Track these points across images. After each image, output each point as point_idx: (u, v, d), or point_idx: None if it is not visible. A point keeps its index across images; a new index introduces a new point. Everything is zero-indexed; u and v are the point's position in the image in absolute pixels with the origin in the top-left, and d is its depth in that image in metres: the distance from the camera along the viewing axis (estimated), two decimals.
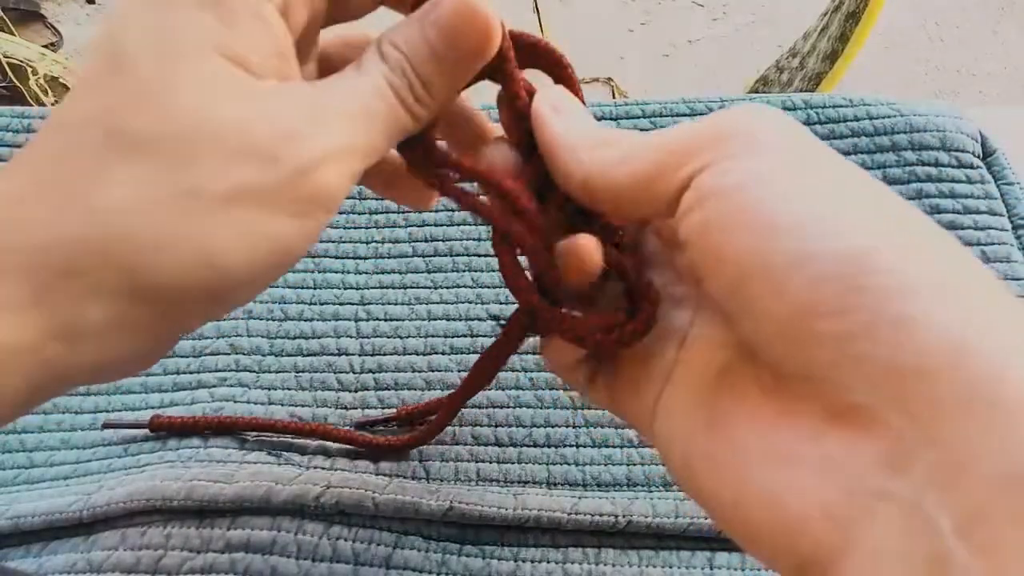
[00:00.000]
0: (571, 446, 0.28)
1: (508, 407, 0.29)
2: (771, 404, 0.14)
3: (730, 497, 0.15)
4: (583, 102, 0.19)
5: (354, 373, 0.30)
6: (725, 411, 0.15)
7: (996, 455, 0.11)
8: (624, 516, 0.25)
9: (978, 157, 0.32)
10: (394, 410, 0.28)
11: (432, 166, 0.18)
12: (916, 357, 0.12)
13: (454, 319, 0.30)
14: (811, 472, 0.13)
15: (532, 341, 0.30)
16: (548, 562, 0.25)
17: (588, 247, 0.17)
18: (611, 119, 0.34)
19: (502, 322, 0.22)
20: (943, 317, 0.12)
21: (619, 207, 0.17)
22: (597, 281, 0.18)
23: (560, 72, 0.18)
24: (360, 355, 0.30)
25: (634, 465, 0.27)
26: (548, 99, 0.18)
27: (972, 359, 0.11)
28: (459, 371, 0.29)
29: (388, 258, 0.32)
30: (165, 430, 0.28)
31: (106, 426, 0.28)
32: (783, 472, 0.14)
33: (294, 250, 0.14)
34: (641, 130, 0.33)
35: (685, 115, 0.33)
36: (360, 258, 0.32)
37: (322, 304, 0.31)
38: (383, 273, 0.32)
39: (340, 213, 0.33)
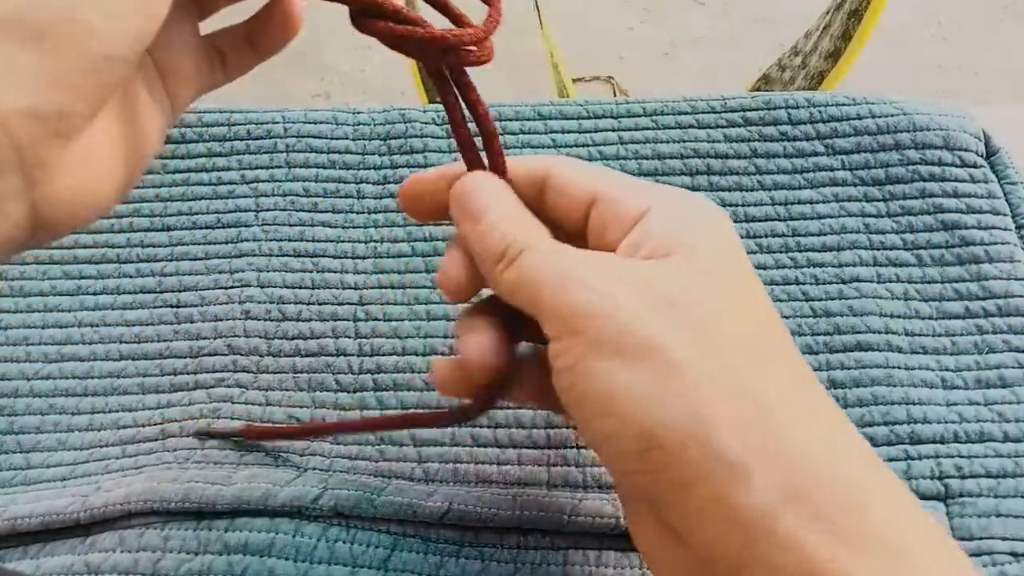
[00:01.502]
0: (571, 447, 0.28)
1: (508, 408, 0.28)
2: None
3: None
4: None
5: (352, 374, 0.29)
6: None
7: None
8: (625, 518, 0.25)
9: (981, 156, 0.32)
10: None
11: None
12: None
13: (454, 319, 0.30)
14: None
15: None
16: (548, 564, 0.25)
17: None
18: (612, 117, 0.33)
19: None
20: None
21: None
22: None
23: None
24: (359, 356, 0.30)
25: None
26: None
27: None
28: None
29: (387, 258, 0.32)
30: (258, 439, 0.28)
31: (199, 434, 0.28)
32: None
33: None
34: (642, 129, 0.33)
35: (687, 113, 0.33)
36: (359, 258, 0.32)
37: (320, 304, 0.31)
38: (382, 273, 0.31)
39: (338, 212, 0.33)
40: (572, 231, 0.20)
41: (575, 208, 0.20)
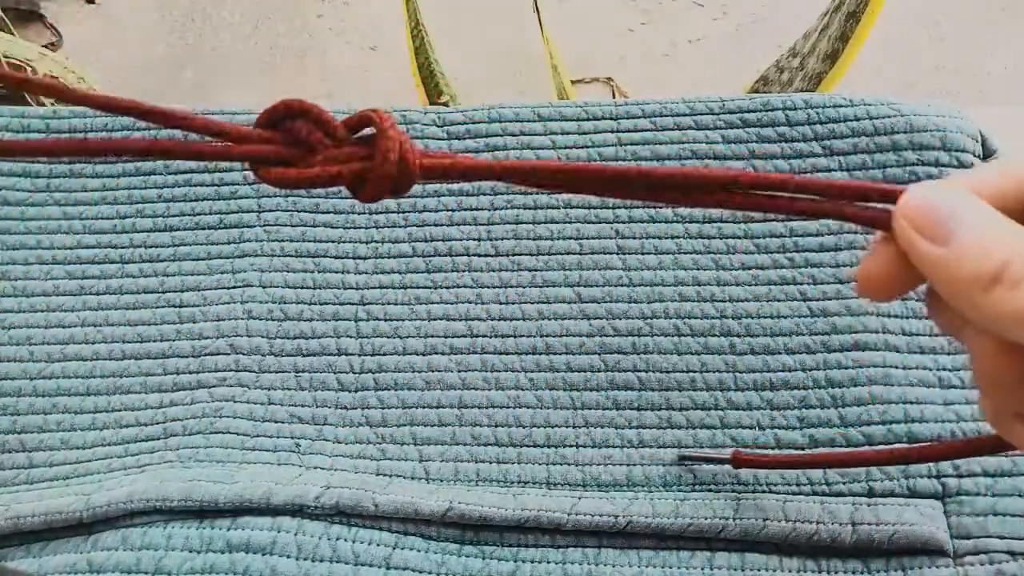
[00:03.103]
0: (571, 446, 0.28)
1: (508, 407, 0.29)
2: None
3: None
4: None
5: (354, 373, 0.30)
6: None
7: None
8: (624, 516, 0.25)
9: (978, 157, 0.32)
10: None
11: None
12: None
13: (454, 319, 0.30)
14: None
15: (534, 341, 0.30)
16: (548, 562, 0.25)
17: None
18: (611, 119, 0.34)
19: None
20: None
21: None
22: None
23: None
24: (360, 355, 0.30)
25: (634, 465, 0.27)
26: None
27: None
28: (459, 371, 0.29)
29: (388, 258, 0.32)
30: (748, 466, 0.26)
31: (683, 459, 0.27)
32: None
33: None
34: (641, 131, 0.33)
35: (685, 115, 0.33)
36: (360, 258, 0.32)
37: (322, 304, 0.31)
38: (383, 273, 0.32)
39: (339, 213, 0.33)
40: None
41: None
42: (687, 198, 0.18)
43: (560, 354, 0.29)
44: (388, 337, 0.30)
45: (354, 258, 0.32)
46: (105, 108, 0.16)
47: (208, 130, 0.17)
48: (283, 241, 0.32)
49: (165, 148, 0.17)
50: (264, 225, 0.33)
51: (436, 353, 0.30)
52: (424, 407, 0.29)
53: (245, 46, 1.12)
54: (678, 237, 0.31)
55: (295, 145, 0.17)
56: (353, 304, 0.31)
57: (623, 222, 0.32)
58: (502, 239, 0.32)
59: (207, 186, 0.34)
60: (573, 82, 1.08)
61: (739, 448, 0.27)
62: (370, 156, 0.17)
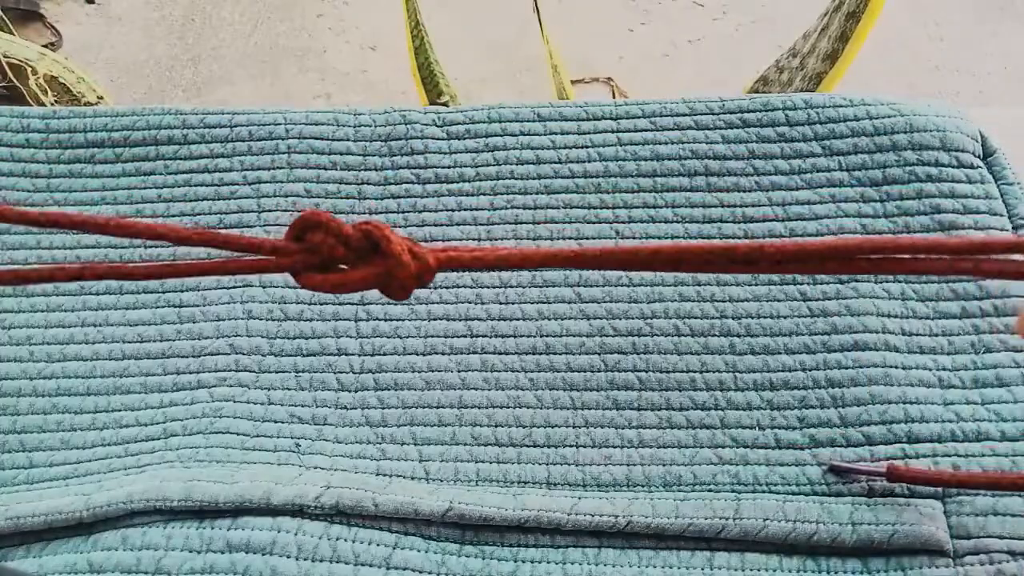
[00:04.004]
0: (571, 446, 0.28)
1: (508, 407, 0.29)
2: None
3: None
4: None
5: (354, 373, 0.30)
6: None
7: None
8: (624, 516, 0.25)
9: (978, 157, 0.32)
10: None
11: None
12: None
13: (454, 319, 0.30)
14: None
15: (534, 341, 0.30)
16: (548, 562, 0.25)
17: None
18: (611, 119, 0.34)
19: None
20: None
21: None
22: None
23: None
24: (360, 355, 0.30)
25: (634, 465, 0.27)
26: None
27: None
28: (459, 371, 0.29)
29: None
30: (904, 482, 0.26)
31: (833, 470, 0.26)
32: None
33: None
34: (641, 131, 0.33)
35: (685, 115, 0.33)
36: None
37: (322, 304, 0.31)
38: None
39: (339, 213, 0.33)
40: None
41: None
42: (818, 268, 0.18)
43: (560, 354, 0.29)
44: (388, 337, 0.30)
45: None
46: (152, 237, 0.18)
47: (251, 248, 0.18)
48: None
49: (213, 267, 0.19)
50: (264, 225, 0.33)
51: (436, 353, 0.30)
52: (424, 407, 0.29)
53: (245, 46, 1.12)
54: (678, 237, 0.31)
55: (318, 253, 0.19)
56: (353, 304, 0.31)
57: (623, 222, 0.32)
58: (502, 239, 0.32)
59: (207, 186, 0.34)
60: (573, 82, 1.08)
61: (893, 462, 0.26)
62: (386, 262, 0.18)
